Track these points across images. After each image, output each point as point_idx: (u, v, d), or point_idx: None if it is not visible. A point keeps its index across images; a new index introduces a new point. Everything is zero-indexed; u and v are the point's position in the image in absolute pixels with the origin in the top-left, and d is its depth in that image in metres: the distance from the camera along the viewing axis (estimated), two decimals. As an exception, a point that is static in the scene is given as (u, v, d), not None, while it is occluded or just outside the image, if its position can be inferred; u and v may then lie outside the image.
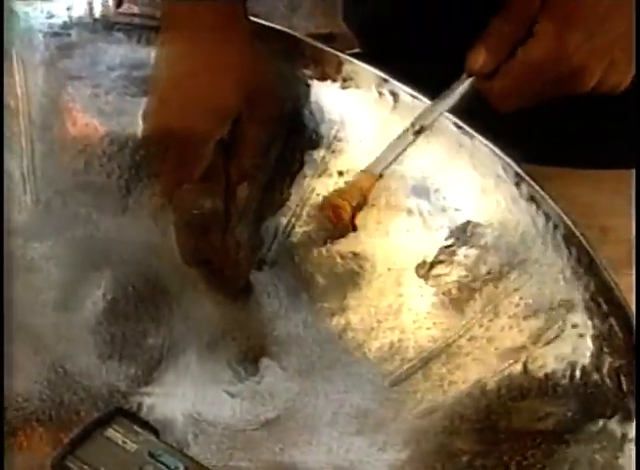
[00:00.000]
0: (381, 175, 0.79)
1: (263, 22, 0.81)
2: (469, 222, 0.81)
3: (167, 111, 0.76)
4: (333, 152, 0.83)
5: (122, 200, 0.83)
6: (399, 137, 0.79)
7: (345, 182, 0.80)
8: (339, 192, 0.80)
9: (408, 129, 0.78)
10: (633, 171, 0.86)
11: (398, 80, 0.81)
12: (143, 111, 0.78)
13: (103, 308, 0.81)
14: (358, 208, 0.79)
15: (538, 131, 0.84)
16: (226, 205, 0.78)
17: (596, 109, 0.81)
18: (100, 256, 0.82)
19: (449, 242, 0.81)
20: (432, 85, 0.79)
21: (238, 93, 0.75)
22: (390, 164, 0.79)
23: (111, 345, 0.80)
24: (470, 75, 0.76)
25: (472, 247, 0.81)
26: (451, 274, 0.81)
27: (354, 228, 0.80)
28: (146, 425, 0.74)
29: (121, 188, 0.83)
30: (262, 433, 0.78)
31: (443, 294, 0.80)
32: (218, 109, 0.75)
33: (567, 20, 0.73)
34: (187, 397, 0.80)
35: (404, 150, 0.79)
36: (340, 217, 0.79)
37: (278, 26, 0.82)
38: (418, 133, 0.78)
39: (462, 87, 0.76)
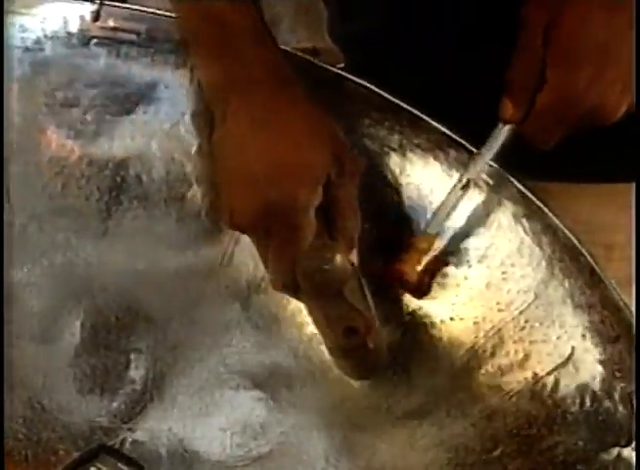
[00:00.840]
0: (438, 234, 0.76)
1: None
2: (464, 239, 0.77)
3: (255, 190, 0.70)
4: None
5: (102, 223, 0.79)
6: (449, 193, 0.76)
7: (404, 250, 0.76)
8: (399, 259, 0.76)
9: (456, 185, 0.76)
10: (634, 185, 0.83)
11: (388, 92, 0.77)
12: (216, 206, 0.74)
13: (82, 339, 0.76)
14: (429, 271, 0.76)
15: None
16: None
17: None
18: (79, 283, 0.77)
19: (447, 259, 0.77)
20: (419, 98, 0.77)
21: (324, 153, 0.71)
22: (444, 221, 0.76)
23: (91, 378, 0.76)
24: (505, 124, 0.75)
25: (471, 267, 0.77)
26: (451, 296, 0.77)
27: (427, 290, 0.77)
28: (131, 462, 0.71)
29: (101, 211, 0.79)
30: (254, 469, 0.74)
31: (444, 317, 0.77)
32: (310, 173, 0.70)
33: (571, 62, 0.72)
34: (174, 431, 0.76)
35: (455, 206, 0.76)
36: (404, 284, 0.76)
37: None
38: (466, 187, 0.76)
39: (501, 137, 0.75)
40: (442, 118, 0.77)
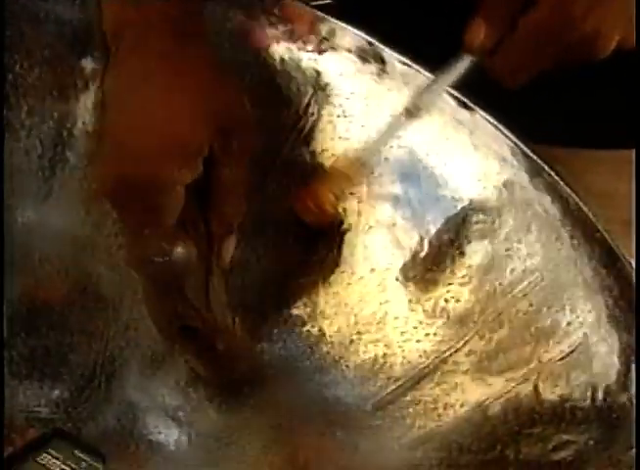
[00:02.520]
0: (365, 161, 0.68)
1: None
2: (468, 214, 0.69)
3: (121, 157, 0.63)
4: (303, 130, 0.71)
5: (45, 184, 0.69)
6: (390, 122, 0.68)
7: (327, 168, 0.68)
8: (319, 179, 0.67)
9: (400, 113, 0.67)
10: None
11: (378, 39, 0.69)
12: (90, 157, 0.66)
13: (20, 316, 0.67)
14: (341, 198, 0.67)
15: (547, 106, 0.74)
16: (207, 258, 0.63)
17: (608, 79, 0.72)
18: (18, 251, 0.67)
19: (444, 237, 0.69)
20: (409, 43, 0.69)
21: (204, 127, 0.63)
22: (380, 152, 0.68)
23: (29, 361, 0.66)
24: (469, 52, 0.66)
25: (470, 243, 0.69)
26: (446, 275, 0.69)
27: (339, 223, 0.68)
28: (89, 450, 0.62)
29: (44, 169, 0.69)
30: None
31: (436, 299, 0.69)
32: (182, 147, 0.62)
33: None
34: (123, 423, 0.67)
35: (394, 134, 0.68)
36: (322, 209, 0.66)
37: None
38: (411, 117, 0.67)
39: (461, 65, 0.66)
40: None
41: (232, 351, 0.66)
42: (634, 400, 0.65)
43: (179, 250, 0.62)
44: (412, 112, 0.68)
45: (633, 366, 0.65)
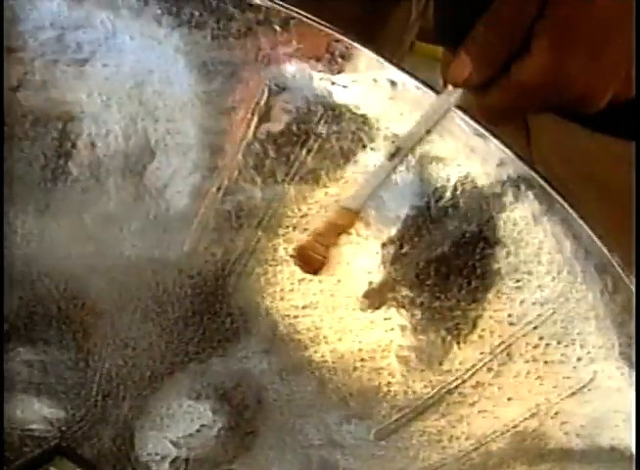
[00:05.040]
0: (358, 211, 0.66)
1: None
2: (477, 243, 0.67)
3: None
4: (310, 151, 0.69)
5: (46, 195, 0.66)
6: (377, 166, 0.66)
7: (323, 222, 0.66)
8: (314, 234, 0.67)
9: (389, 157, 0.66)
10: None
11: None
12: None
13: (17, 330, 0.64)
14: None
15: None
16: None
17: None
18: (16, 264, 0.65)
19: (452, 265, 0.67)
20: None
21: None
22: (370, 197, 0.66)
23: (25, 377, 0.64)
24: (453, 85, 0.64)
25: (479, 272, 0.67)
26: (453, 305, 0.66)
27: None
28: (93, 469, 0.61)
29: (46, 180, 0.66)
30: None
31: (442, 329, 0.67)
32: None
33: (568, 37, 0.62)
34: (118, 444, 0.65)
35: (385, 180, 0.66)
36: (314, 268, 0.66)
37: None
38: (395, 157, 0.66)
39: (448, 102, 0.64)
40: None
41: None
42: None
43: None
44: (395, 154, 0.66)
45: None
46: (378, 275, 0.68)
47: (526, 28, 0.62)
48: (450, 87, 0.64)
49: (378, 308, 0.68)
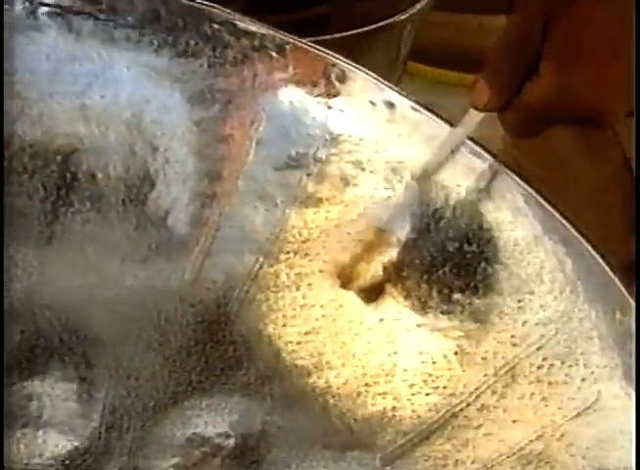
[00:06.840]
0: (388, 231, 0.68)
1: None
2: (478, 263, 0.66)
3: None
4: (309, 175, 0.69)
5: (47, 228, 0.67)
6: (405, 188, 0.68)
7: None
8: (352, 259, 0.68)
9: (417, 178, 0.68)
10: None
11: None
12: None
13: (18, 363, 0.64)
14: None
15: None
16: None
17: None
18: (18, 297, 0.65)
19: (454, 286, 0.67)
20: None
21: None
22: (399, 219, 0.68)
23: (25, 410, 0.64)
24: (476, 109, 0.67)
25: (480, 293, 0.67)
26: (456, 326, 0.66)
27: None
28: None
29: (46, 213, 0.67)
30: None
31: (446, 351, 0.66)
32: None
33: (572, 57, 0.64)
34: (123, 476, 0.65)
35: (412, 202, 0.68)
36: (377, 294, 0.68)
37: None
38: (423, 180, 0.68)
39: (473, 123, 0.67)
40: None
41: None
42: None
43: None
44: (422, 176, 0.68)
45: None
46: (382, 299, 0.68)
47: (535, 52, 0.64)
48: (473, 110, 0.67)
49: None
